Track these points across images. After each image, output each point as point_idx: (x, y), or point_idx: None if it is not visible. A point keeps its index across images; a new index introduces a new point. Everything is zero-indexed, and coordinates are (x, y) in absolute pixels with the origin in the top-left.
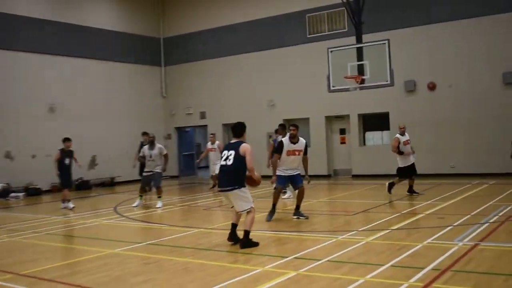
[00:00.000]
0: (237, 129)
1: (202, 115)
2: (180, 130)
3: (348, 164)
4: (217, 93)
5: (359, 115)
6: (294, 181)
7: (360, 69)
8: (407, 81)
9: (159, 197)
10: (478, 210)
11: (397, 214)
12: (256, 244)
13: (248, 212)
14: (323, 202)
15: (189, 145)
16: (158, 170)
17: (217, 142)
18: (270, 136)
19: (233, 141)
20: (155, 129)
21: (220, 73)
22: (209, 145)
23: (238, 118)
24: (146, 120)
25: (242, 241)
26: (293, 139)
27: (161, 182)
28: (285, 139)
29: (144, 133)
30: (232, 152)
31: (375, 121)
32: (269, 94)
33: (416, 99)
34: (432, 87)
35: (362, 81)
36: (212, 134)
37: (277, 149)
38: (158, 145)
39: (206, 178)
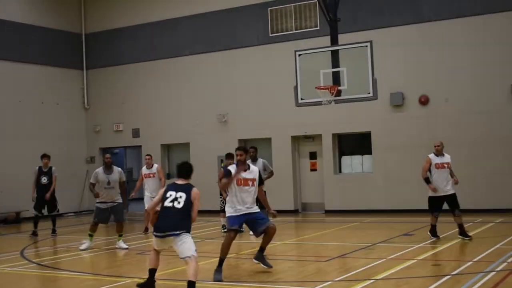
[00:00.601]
0: (184, 170)
1: (135, 133)
2: (106, 151)
3: (320, 197)
4: (154, 105)
5: (334, 135)
6: (254, 224)
7: (336, 78)
8: (393, 94)
9: (121, 235)
10: (482, 255)
11: (382, 260)
12: None
13: (190, 259)
14: (289, 245)
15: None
16: (119, 201)
17: (155, 165)
18: (222, 161)
19: (180, 182)
20: (75, 150)
21: (159, 80)
22: (144, 169)
23: (180, 138)
24: (62, 139)
25: None
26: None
27: (124, 215)
28: (233, 167)
29: (44, 156)
30: (183, 195)
31: (354, 143)
32: (220, 107)
33: (404, 116)
34: (424, 101)
35: (338, 93)
36: (148, 155)
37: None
38: (116, 168)
39: (139, 213)
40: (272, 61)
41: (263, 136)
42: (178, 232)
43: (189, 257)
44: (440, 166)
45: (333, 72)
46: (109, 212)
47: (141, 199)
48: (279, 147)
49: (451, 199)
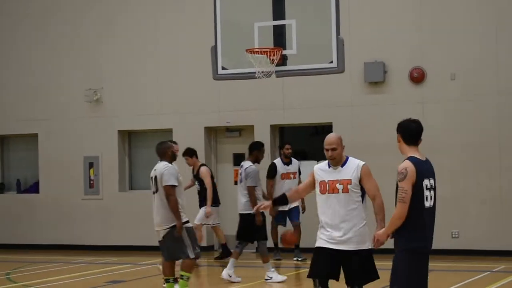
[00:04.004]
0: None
1: None
2: None
3: None
4: None
5: (274, 128)
6: None
7: (279, 36)
8: (369, 65)
9: None
10: None
11: None
12: None
13: None
14: None
15: None
16: None
17: None
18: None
19: None
20: None
21: None
22: None
23: (23, 126)
24: None
25: None
26: None
27: None
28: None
29: None
30: None
31: (305, 141)
32: (91, 78)
33: (386, 100)
34: (418, 77)
35: (282, 61)
36: None
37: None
38: None
39: None
40: (179, 5)
41: (159, 127)
42: None
43: None
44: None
45: (274, 27)
46: None
47: None
48: (185, 144)
49: None
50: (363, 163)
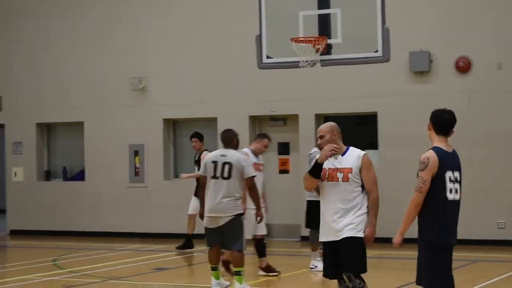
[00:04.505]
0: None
1: None
2: None
3: (295, 216)
4: (26, 60)
5: (318, 117)
6: None
7: (324, 26)
8: (415, 54)
9: None
10: None
11: None
12: None
13: None
14: None
15: None
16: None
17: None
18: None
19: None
20: None
21: (38, 18)
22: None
23: (70, 114)
24: None
25: None
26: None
27: None
28: None
29: None
30: None
31: (350, 131)
32: (136, 67)
33: (432, 89)
34: (463, 66)
35: (327, 49)
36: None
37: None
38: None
39: (2, 235)
40: None
41: (204, 115)
42: None
43: None
44: None
45: (319, 16)
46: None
47: None
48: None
49: None
50: (364, 152)
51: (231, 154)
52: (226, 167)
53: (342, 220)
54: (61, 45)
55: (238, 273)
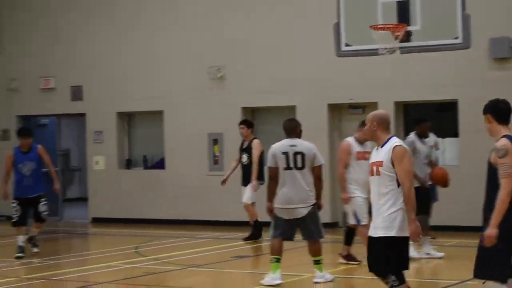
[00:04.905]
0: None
1: (76, 93)
2: (28, 121)
3: None
4: (107, 50)
5: (398, 105)
6: None
7: (404, 13)
8: (496, 40)
9: None
10: None
11: None
12: None
13: None
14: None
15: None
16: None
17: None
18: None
19: None
20: None
21: (116, 12)
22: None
23: (149, 103)
24: None
25: None
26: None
27: None
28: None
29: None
30: None
31: (430, 118)
32: (215, 56)
33: None
34: None
35: (406, 37)
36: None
37: None
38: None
39: (84, 222)
40: None
41: (282, 104)
42: None
43: None
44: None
45: (398, 3)
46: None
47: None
48: (309, 121)
49: None
50: (397, 144)
51: (300, 143)
52: (299, 157)
53: (378, 217)
54: (141, 35)
55: (317, 262)
